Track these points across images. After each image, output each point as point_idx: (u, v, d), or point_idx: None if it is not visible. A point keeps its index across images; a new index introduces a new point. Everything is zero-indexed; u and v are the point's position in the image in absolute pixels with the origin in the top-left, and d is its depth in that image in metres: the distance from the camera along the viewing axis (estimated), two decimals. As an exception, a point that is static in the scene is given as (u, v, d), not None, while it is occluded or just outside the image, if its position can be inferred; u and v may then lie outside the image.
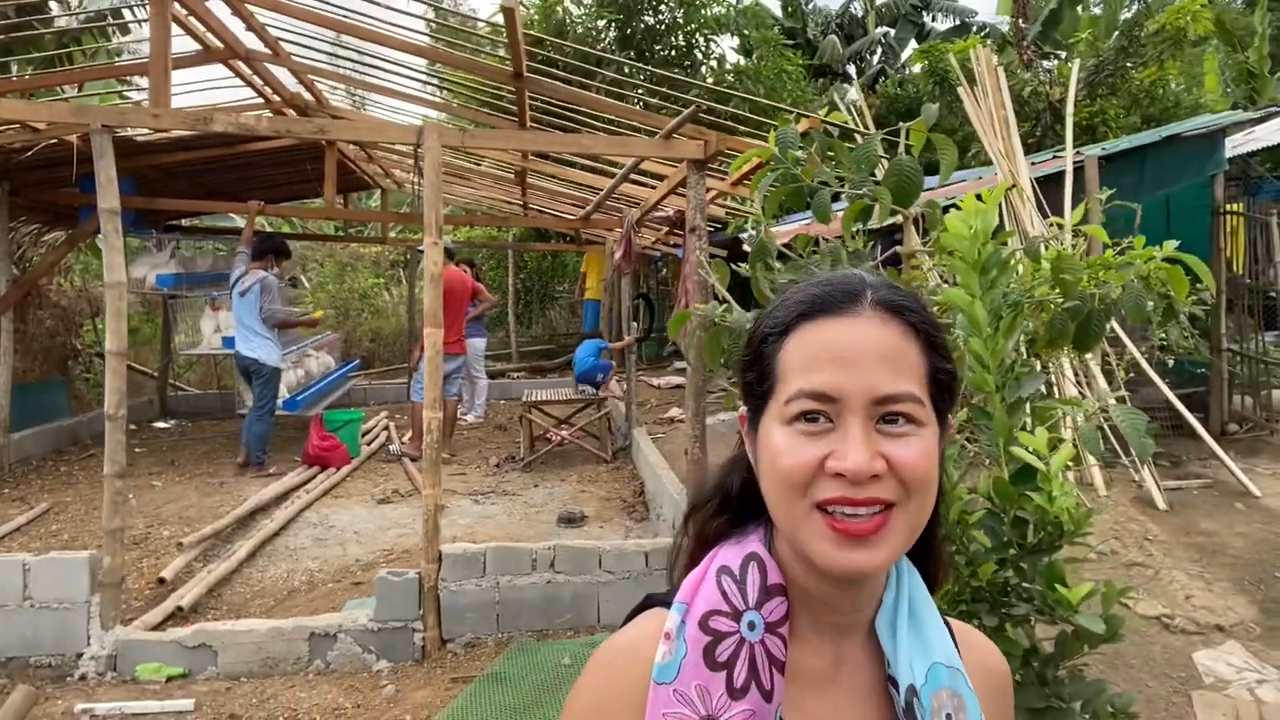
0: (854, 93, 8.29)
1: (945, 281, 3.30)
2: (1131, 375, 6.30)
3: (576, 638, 4.27)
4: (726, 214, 7.13)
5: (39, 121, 4.99)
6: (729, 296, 3.21)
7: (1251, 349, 7.68)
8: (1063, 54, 15.02)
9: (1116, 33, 10.77)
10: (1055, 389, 5.96)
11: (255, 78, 5.85)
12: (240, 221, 13.05)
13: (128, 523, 5.70)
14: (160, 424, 9.58)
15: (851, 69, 20.07)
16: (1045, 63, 14.03)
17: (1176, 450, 6.81)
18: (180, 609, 4.47)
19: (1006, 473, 2.31)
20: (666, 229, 8.34)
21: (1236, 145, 10.79)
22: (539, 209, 9.62)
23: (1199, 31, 10.44)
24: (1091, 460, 5.97)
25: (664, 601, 0.84)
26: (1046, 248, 3.30)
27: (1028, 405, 2.81)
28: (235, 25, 5.06)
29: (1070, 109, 7.17)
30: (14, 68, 7.12)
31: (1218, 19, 14.32)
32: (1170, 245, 2.72)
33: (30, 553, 4.24)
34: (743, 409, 0.85)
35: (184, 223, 10.52)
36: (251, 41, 5.40)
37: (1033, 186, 6.68)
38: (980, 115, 6.67)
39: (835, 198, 3.16)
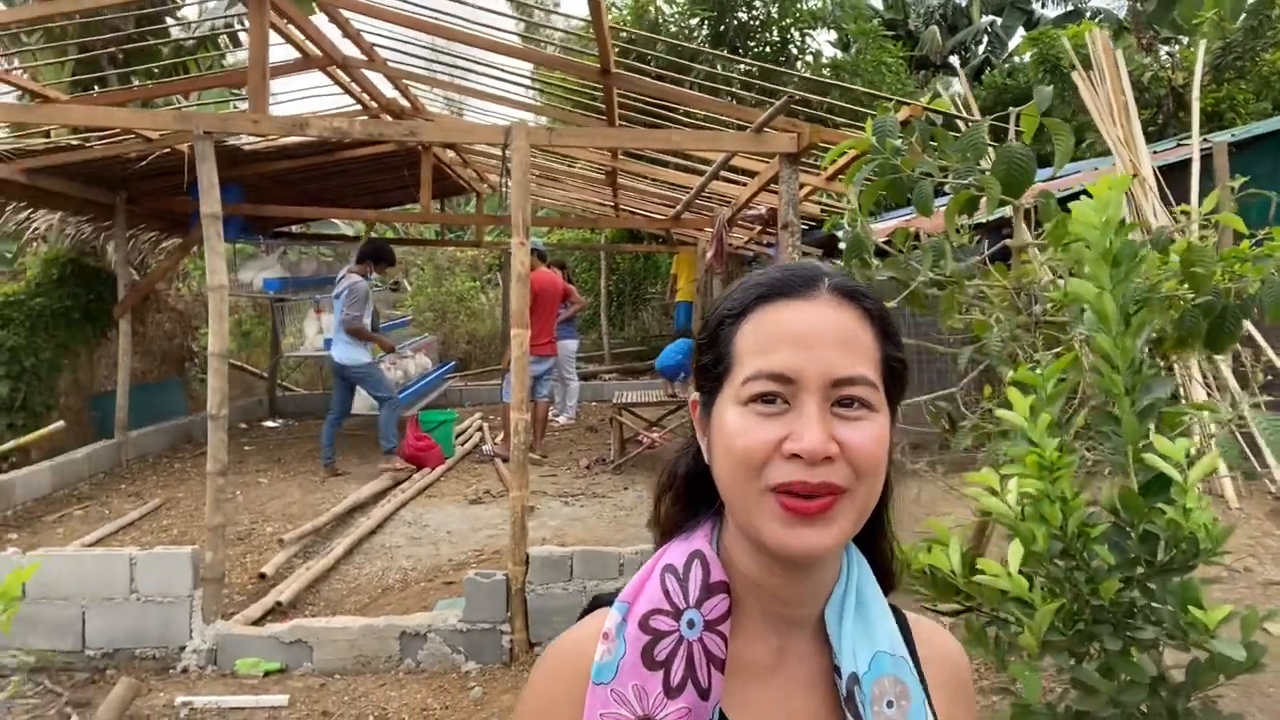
0: (958, 84, 7.96)
1: (1060, 277, 3.07)
2: (1269, 379, 5.83)
3: (665, 645, 4.18)
4: (821, 211, 6.93)
5: (151, 131, 5.20)
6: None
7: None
8: (1184, 38, 14.17)
9: (1244, 14, 10.05)
10: (1183, 393, 5.56)
11: (353, 84, 5.97)
12: (344, 227, 13.50)
13: (232, 519, 5.92)
14: (269, 423, 9.93)
15: (955, 60, 19.42)
16: (1165, 47, 13.25)
17: None
18: (279, 604, 4.57)
19: (1135, 483, 2.11)
20: (759, 228, 8.17)
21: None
22: (630, 209, 9.58)
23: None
24: (1224, 470, 5.55)
25: (609, 601, 0.85)
26: (1174, 240, 3.03)
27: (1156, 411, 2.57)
28: (333, 33, 5.16)
29: (1196, 93, 6.69)
30: (134, 79, 7.50)
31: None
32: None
33: (139, 547, 4.40)
34: (695, 395, 0.85)
35: (291, 229, 10.92)
36: (349, 48, 5.50)
37: (1156, 176, 6.26)
38: (1097, 102, 6.28)
39: (938, 190, 2.97)
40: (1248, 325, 5.83)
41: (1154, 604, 2.00)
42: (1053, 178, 3.75)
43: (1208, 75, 10.01)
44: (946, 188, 2.97)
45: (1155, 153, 7.35)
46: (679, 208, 7.60)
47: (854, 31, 11.96)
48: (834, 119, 6.20)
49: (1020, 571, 2.01)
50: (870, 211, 5.03)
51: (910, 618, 0.93)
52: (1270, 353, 5.85)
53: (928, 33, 16.49)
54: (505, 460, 7.42)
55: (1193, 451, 1.98)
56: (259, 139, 5.91)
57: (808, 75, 11.06)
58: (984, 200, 2.81)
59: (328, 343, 8.23)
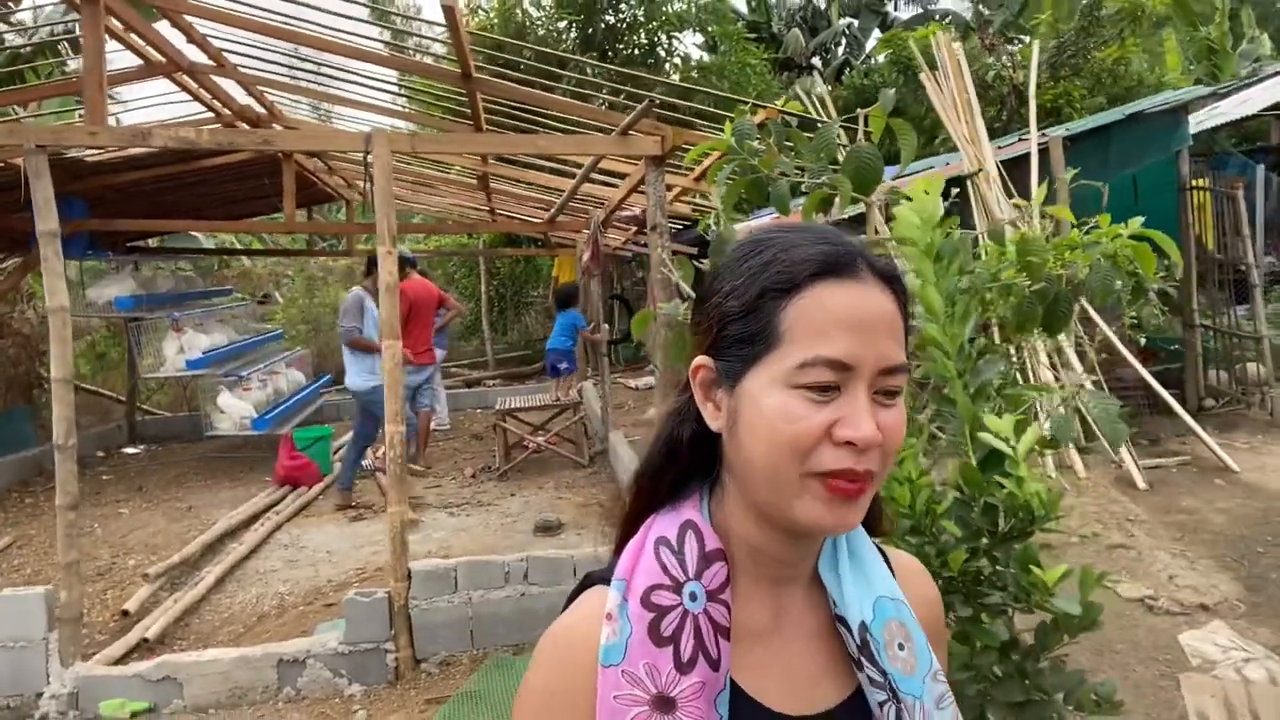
0: (819, 85, 8.24)
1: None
2: (1104, 356, 6.28)
3: (553, 650, 4.18)
4: (693, 210, 7.05)
5: (-22, 145, 4.83)
6: (692, 293, 3.11)
7: (1224, 323, 7.68)
8: (1025, 38, 15.07)
9: (1077, 15, 10.79)
10: (1030, 374, 5.93)
11: (203, 91, 5.71)
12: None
13: (90, 553, 5.58)
14: (129, 449, 9.38)
15: (818, 61, 20.07)
16: (1009, 46, 14.07)
17: (1154, 428, 6.80)
18: (146, 640, 4.34)
19: (974, 459, 2.24)
20: (635, 229, 8.25)
21: (1200, 121, 10.84)
22: (506, 214, 9.51)
23: (1157, 9, 10.48)
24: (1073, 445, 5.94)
25: (604, 579, 0.83)
26: (1015, 229, 3.22)
27: (997, 391, 2.73)
28: (179, 38, 4.93)
29: (1032, 91, 7.15)
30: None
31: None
32: (1136, 222, 2.66)
33: (-16, 590, 4.09)
34: (704, 360, 0.80)
35: (147, 243, 10.34)
36: (197, 54, 5.26)
37: (999, 170, 6.64)
38: (943, 100, 6.62)
39: (796, 188, 3.08)
40: (1087, 307, 6.24)
41: (999, 570, 2.13)
42: (898, 176, 3.94)
43: (1045, 73, 10.71)
44: (803, 187, 3.08)
45: (1000, 147, 7.80)
46: (553, 211, 7.60)
47: (719, 34, 12.22)
48: (699, 122, 6.32)
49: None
50: (743, 210, 5.16)
51: (892, 558, 0.93)
52: (1108, 331, 6.31)
53: (790, 35, 17.00)
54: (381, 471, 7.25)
55: (1043, 428, 2.13)
56: (101, 150, 5.57)
57: (673, 80, 11.22)
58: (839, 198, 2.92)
59: (190, 363, 7.85)
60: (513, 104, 5.11)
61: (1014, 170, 6.84)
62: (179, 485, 7.67)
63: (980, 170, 6.38)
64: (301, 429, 7.76)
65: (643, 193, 5.24)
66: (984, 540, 2.19)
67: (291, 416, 8.36)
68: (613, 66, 10.33)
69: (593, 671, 0.76)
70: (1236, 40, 16.99)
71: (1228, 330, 7.59)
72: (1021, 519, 2.15)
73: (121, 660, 4.10)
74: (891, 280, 0.78)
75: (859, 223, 4.72)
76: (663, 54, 12.11)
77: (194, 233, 11.78)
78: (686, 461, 0.85)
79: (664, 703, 0.75)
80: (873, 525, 0.90)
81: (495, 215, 9.47)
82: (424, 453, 8.01)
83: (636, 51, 11.78)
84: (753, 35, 13.11)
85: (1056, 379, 5.93)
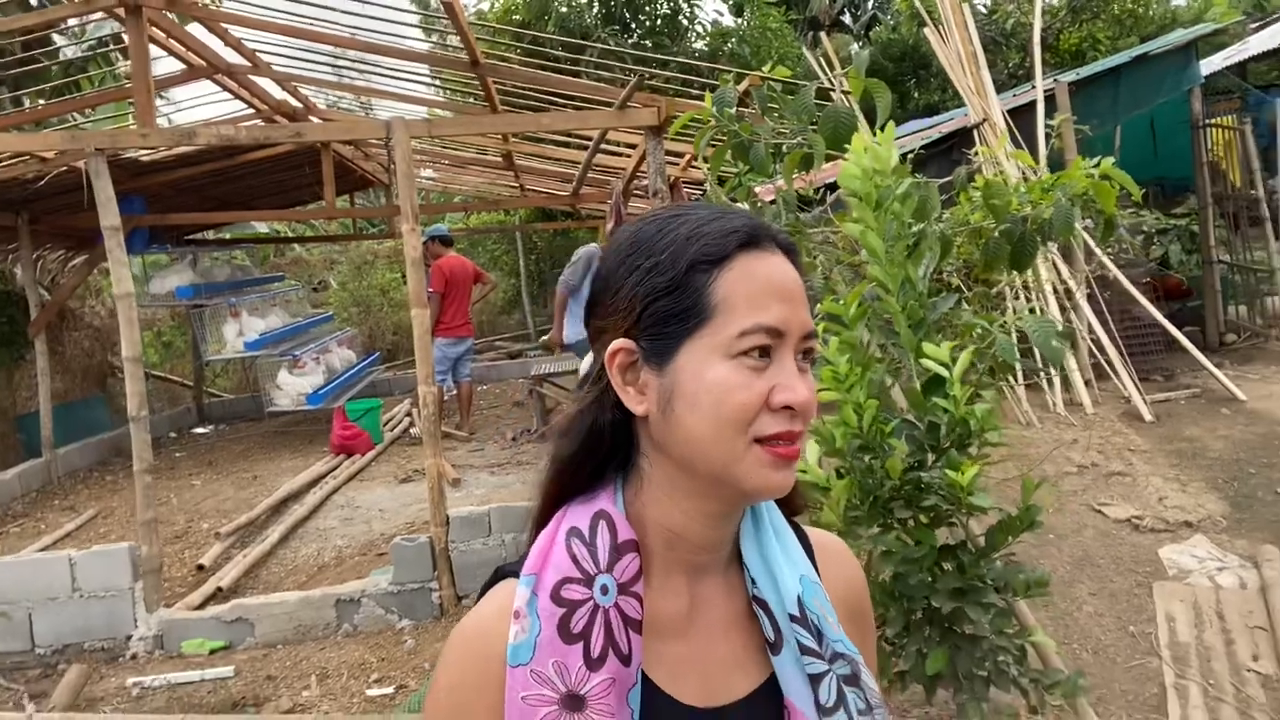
0: (851, 44, 8.39)
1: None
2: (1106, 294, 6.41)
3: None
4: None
5: (44, 151, 5.34)
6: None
7: (1245, 260, 7.73)
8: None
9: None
10: (1039, 309, 6.11)
11: (243, 90, 6.15)
12: (260, 228, 13.51)
13: (168, 520, 6.14)
14: (199, 430, 10.05)
15: (848, 18, 19.94)
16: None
17: (1171, 364, 6.93)
18: (220, 589, 4.85)
19: (918, 383, 2.57)
20: (656, 195, 8.54)
21: (1231, 55, 10.68)
22: (534, 189, 9.87)
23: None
24: (1078, 381, 6.13)
25: (515, 572, 0.81)
26: (1009, 180, 3.47)
27: (956, 323, 3.07)
28: (216, 43, 5.35)
29: (1036, 37, 7.23)
30: (25, 101, 7.51)
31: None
32: (1108, 162, 2.90)
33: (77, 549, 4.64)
34: (623, 342, 0.79)
35: (208, 235, 10.95)
36: (235, 56, 5.69)
37: (1005, 119, 6.78)
38: (948, 53, 6.77)
39: (778, 150, 3.37)
40: (1095, 249, 6.36)
41: (933, 480, 2.45)
42: (879, 128, 4.16)
43: (1068, 17, 10.66)
44: (784, 147, 3.37)
45: (1014, 95, 7.91)
46: (575, 183, 7.94)
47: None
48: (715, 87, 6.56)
49: (822, 467, 2.47)
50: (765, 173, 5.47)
51: (812, 538, 0.93)
52: (1115, 270, 6.45)
53: (816, -8, 17.01)
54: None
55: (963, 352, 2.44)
56: (154, 150, 6.06)
57: (698, 47, 11.35)
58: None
59: (249, 344, 8.42)
60: (525, 86, 5.45)
61: (1021, 118, 6.98)
62: (245, 458, 8.26)
63: (985, 120, 6.54)
64: (353, 401, 8.28)
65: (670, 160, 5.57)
66: (929, 454, 2.53)
67: (344, 392, 8.89)
68: (597, 46, 10.56)
69: (500, 670, 0.76)
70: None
71: (1246, 265, 7.64)
72: (959, 434, 2.48)
73: (200, 607, 4.62)
74: (793, 252, 0.81)
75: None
76: (685, 22, 12.29)
77: (249, 223, 12.40)
78: (607, 451, 0.83)
79: (573, 701, 0.74)
80: (790, 504, 0.91)
81: (525, 191, 9.84)
82: (468, 420, 8.48)
83: (659, 21, 11.98)
84: (776, -3, 13.18)
85: (1033, 311, 6.12)
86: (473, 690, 0.77)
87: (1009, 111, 6.90)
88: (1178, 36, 7.43)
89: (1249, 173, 7.39)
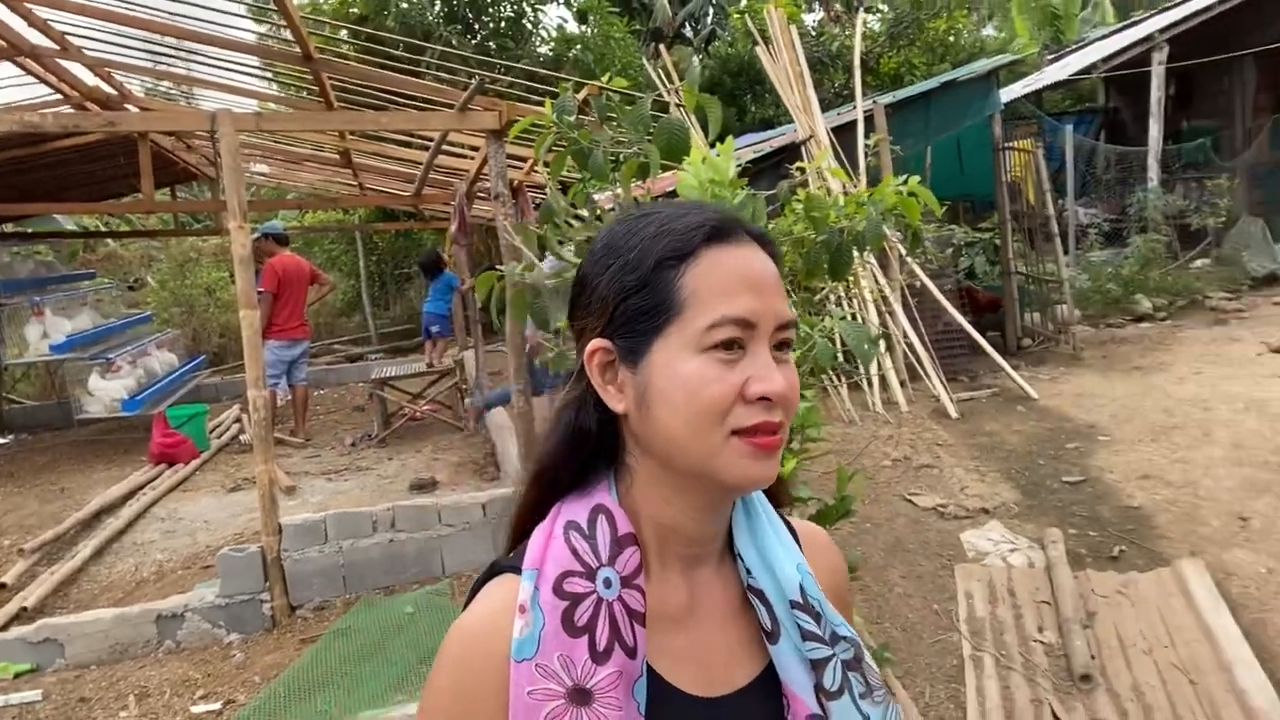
0: (665, 56, 8.65)
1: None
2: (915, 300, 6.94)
3: (421, 589, 4.55)
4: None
5: None
6: (534, 257, 3.48)
7: (1038, 271, 8.55)
8: (883, 6, 15.91)
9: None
10: (858, 315, 6.54)
11: (50, 75, 5.72)
12: (66, 223, 12.47)
13: (-40, 536, 5.62)
14: (-3, 440, 9.20)
15: (689, 32, 20.50)
16: (864, 15, 14.83)
17: (976, 366, 7.58)
18: (25, 609, 4.49)
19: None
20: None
21: (1030, 84, 11.74)
22: (374, 189, 9.65)
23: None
24: (895, 382, 6.60)
25: (511, 567, 0.81)
26: (831, 192, 3.71)
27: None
28: (20, 23, 4.96)
29: (857, 61, 7.74)
30: None
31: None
32: (914, 180, 3.16)
33: None
34: (599, 342, 0.80)
35: (7, 228, 10.03)
36: (41, 38, 5.28)
37: (829, 137, 7.23)
38: (778, 71, 7.14)
39: (617, 159, 3.48)
40: (908, 260, 6.84)
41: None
42: (712, 143, 4.39)
43: (887, 42, 11.45)
44: (621, 156, 3.48)
45: (840, 114, 8.42)
46: (417, 184, 7.84)
47: (583, 6, 12.48)
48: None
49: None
50: (608, 180, 5.55)
51: (797, 528, 0.94)
52: (926, 281, 6.98)
53: (659, 5, 17.38)
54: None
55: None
56: (-55, 136, 5.54)
57: (542, 51, 11.39)
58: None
59: (55, 347, 7.80)
60: (363, 83, 5.35)
61: (844, 136, 7.46)
62: (51, 470, 7.65)
63: (811, 136, 6.94)
64: (175, 407, 7.82)
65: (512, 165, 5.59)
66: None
67: (165, 397, 8.38)
68: (471, 44, 10.50)
69: (504, 667, 0.74)
70: (1083, 5, 18.21)
71: (1039, 276, 8.45)
72: (780, 429, 2.66)
73: (2, 628, 4.27)
74: (766, 242, 0.81)
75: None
76: (529, 26, 12.32)
77: (55, 215, 11.43)
78: (593, 450, 0.83)
79: (580, 695, 0.73)
80: (775, 497, 0.92)
81: (364, 190, 9.61)
82: (304, 426, 8.18)
83: (502, 24, 11.96)
84: (616, 10, 13.39)
85: (855, 319, 6.59)
86: (475, 688, 0.76)
87: (833, 129, 7.36)
88: (980, 66, 8.13)
89: (1042, 192, 8.19)
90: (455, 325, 9.25)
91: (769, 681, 0.83)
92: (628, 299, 0.77)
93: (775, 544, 0.85)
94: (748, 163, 6.60)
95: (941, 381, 6.43)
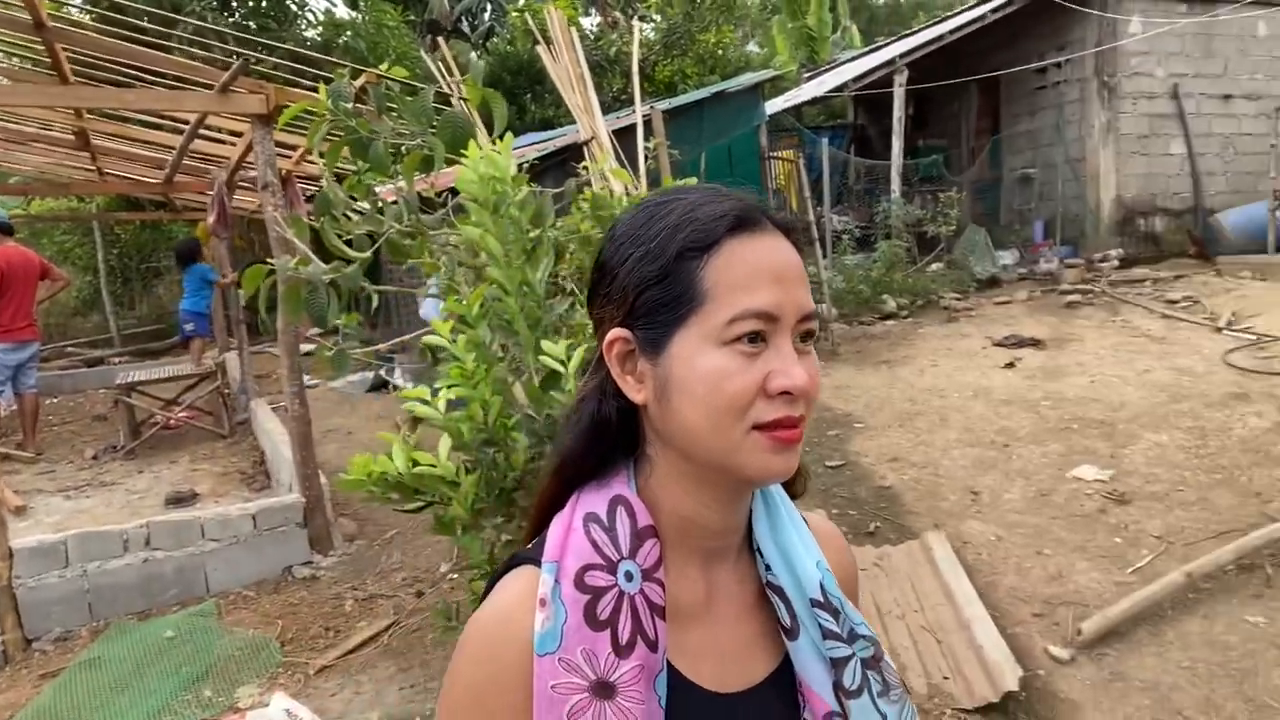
0: (445, 48, 8.48)
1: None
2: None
3: (183, 610, 4.19)
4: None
5: None
6: (308, 250, 3.28)
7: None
8: (654, 16, 16.45)
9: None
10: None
11: None
12: None
13: None
14: None
15: (466, 26, 20.16)
16: (637, 23, 15.26)
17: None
18: None
19: (536, 380, 2.72)
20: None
21: (790, 98, 12.58)
22: (116, 174, 8.73)
23: (747, 1, 11.98)
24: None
25: (530, 559, 0.80)
26: (613, 194, 3.75)
27: (570, 323, 3.27)
28: None
29: (635, 67, 7.94)
30: None
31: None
32: (692, 182, 3.25)
33: None
34: (619, 332, 0.78)
35: None
36: None
37: (611, 139, 7.36)
38: (559, 72, 7.18)
39: (398, 151, 3.35)
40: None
41: (553, 468, 2.62)
42: (494, 139, 4.36)
43: (662, 51, 11.86)
44: (404, 148, 3.36)
45: (619, 118, 8.61)
46: (168, 171, 7.18)
47: (352, -8, 11.97)
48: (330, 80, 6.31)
49: (451, 460, 2.52)
50: (384, 172, 5.32)
51: (810, 521, 0.92)
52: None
53: (434, -4, 16.97)
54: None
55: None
56: None
57: (309, 35, 10.80)
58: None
59: None
60: (105, 57, 4.82)
61: (625, 139, 7.63)
62: None
63: (593, 138, 7.05)
64: None
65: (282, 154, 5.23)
66: (548, 444, 2.69)
67: None
68: (228, 21, 9.76)
69: (526, 661, 0.73)
70: (834, 27, 19.73)
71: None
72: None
73: None
74: (791, 231, 0.79)
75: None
76: (294, 7, 11.63)
77: None
78: (613, 441, 0.82)
79: (604, 688, 0.73)
80: (790, 489, 0.91)
81: (104, 176, 8.66)
82: (34, 438, 7.27)
83: (264, 3, 11.20)
84: (394, -5, 12.96)
85: None
86: (497, 682, 0.74)
87: (614, 132, 7.51)
88: (748, 79, 8.62)
89: (804, 199, 8.80)
90: (215, 325, 8.58)
91: (784, 677, 0.83)
92: (648, 289, 0.76)
93: (796, 540, 0.84)
94: (535, 159, 6.61)
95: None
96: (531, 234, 2.94)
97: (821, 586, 0.82)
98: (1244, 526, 4.19)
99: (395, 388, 7.95)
